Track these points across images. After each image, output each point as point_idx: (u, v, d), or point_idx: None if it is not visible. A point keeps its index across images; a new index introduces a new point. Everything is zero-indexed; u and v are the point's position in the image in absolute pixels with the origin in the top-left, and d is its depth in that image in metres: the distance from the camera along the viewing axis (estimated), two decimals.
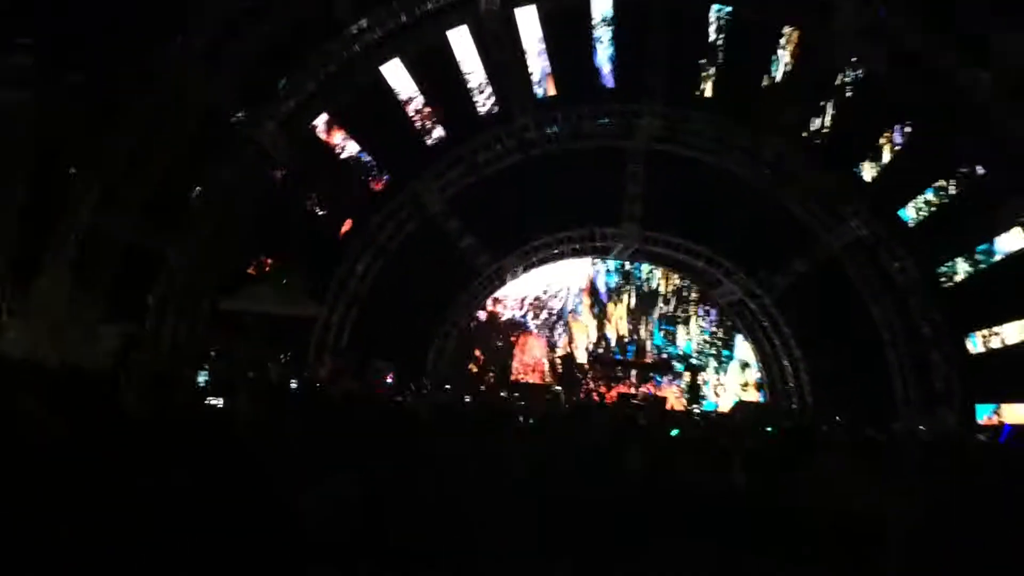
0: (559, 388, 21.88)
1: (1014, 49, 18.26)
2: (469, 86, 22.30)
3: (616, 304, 23.78)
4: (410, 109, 22.41)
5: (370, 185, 22.27)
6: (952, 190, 20.94)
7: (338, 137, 22.13)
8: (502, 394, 22.01)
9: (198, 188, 19.63)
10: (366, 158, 22.31)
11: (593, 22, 21.75)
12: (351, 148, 22.26)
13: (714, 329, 23.53)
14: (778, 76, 21.53)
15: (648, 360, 22.37)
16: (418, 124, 22.42)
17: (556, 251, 23.02)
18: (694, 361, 22.45)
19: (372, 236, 22.13)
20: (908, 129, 20.68)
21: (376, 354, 21.87)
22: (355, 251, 22.11)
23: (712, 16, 21.15)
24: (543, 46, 21.97)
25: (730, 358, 23.35)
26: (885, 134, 21.05)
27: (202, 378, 16.66)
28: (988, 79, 18.62)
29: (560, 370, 23.01)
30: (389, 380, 20.83)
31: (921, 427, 20.02)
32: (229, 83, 18.55)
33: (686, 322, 23.77)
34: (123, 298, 17.18)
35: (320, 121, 21.62)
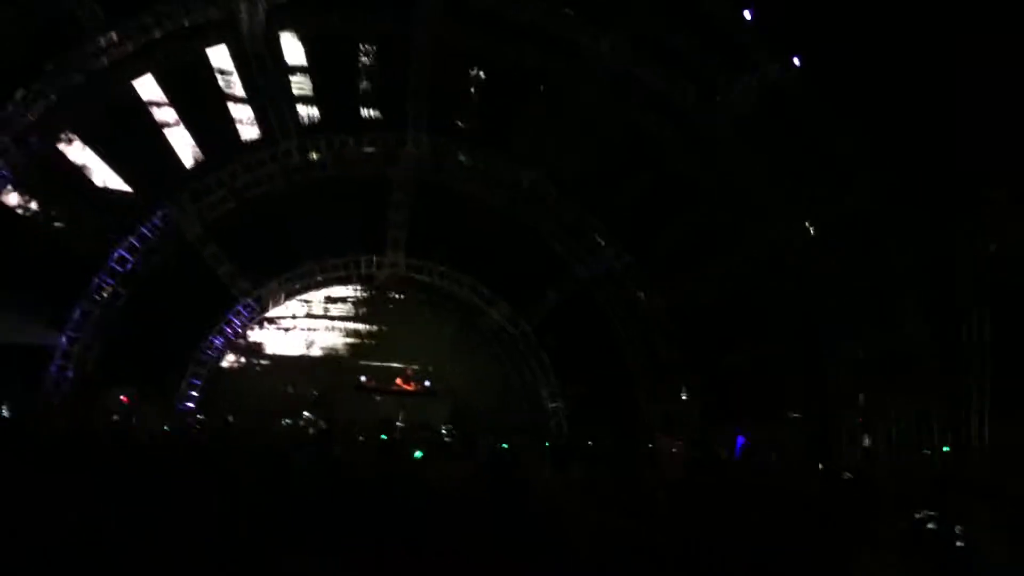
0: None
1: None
2: (230, 107, 21.67)
3: (381, 330, 23.62)
4: (165, 128, 21.45)
5: (119, 206, 21.00)
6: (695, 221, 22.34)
7: (82, 154, 20.76)
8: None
9: None
10: (114, 177, 21.05)
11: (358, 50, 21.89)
12: (97, 166, 20.93)
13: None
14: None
15: (411, 388, 22.49)
16: (174, 145, 21.48)
17: (320, 278, 22.65)
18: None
19: (121, 261, 20.90)
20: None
21: (125, 384, 20.63)
22: (101, 276, 20.78)
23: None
24: (307, 70, 21.84)
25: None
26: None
27: None
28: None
29: (322, 395, 22.53)
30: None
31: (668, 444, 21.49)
32: None
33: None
34: None
35: (62, 135, 20.29)
